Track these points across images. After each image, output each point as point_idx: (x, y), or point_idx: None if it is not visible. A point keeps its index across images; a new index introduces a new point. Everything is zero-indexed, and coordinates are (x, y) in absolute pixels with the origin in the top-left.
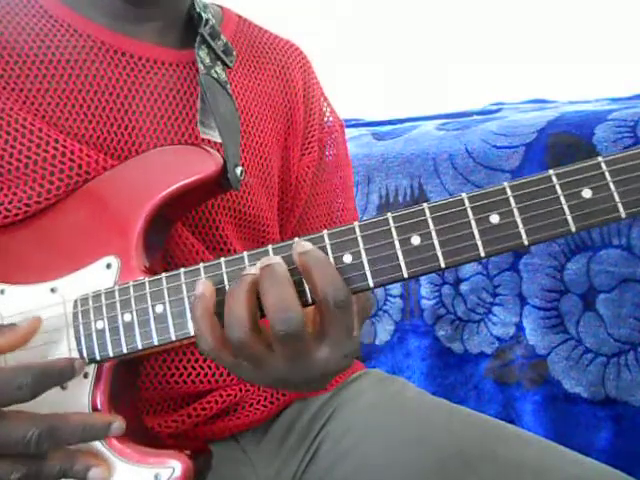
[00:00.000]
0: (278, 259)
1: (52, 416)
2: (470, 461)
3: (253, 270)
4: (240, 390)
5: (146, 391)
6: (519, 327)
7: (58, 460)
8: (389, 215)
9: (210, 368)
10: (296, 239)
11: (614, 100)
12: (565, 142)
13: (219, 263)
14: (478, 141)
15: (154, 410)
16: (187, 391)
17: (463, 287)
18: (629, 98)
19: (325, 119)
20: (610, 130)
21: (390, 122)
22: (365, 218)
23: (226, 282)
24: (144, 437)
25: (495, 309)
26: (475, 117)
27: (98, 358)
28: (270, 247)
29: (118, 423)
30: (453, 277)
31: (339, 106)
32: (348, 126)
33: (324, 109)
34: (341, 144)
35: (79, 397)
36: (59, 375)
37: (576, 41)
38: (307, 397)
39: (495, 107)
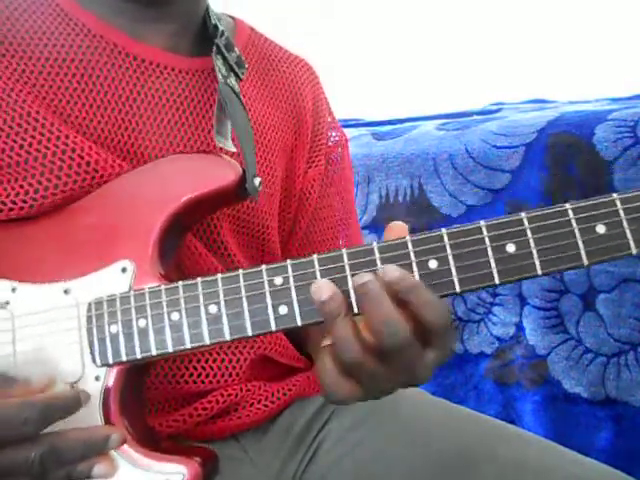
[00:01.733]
0: (369, 276)
1: (51, 435)
2: (470, 461)
3: (326, 294)
4: (241, 390)
5: (147, 391)
6: (519, 327)
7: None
8: (408, 238)
9: (212, 368)
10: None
11: (614, 100)
12: (565, 142)
13: (237, 275)
14: (478, 141)
15: (155, 410)
16: (188, 391)
17: None
18: (629, 98)
19: (332, 134)
20: (610, 130)
21: (390, 122)
22: (367, 224)
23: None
24: (152, 440)
25: (495, 309)
26: (475, 117)
27: (111, 362)
28: (289, 262)
29: (116, 435)
30: None
31: (339, 106)
32: (348, 126)
33: (331, 124)
34: (346, 159)
35: (90, 401)
36: (64, 408)
37: (576, 41)
38: (307, 397)
39: (495, 107)
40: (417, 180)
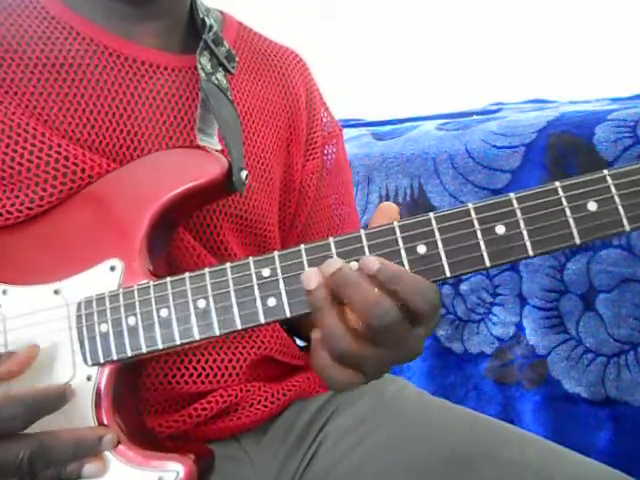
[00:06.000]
0: (339, 262)
1: (42, 434)
2: (470, 461)
3: (314, 282)
4: (240, 390)
5: (147, 391)
6: (519, 327)
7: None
8: (395, 224)
9: (212, 369)
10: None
11: (614, 100)
12: (565, 142)
13: (225, 269)
14: (478, 141)
15: (155, 410)
16: (188, 391)
17: (463, 287)
18: (629, 98)
19: (326, 125)
20: (610, 130)
21: (390, 122)
22: (368, 222)
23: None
24: (147, 439)
25: (495, 309)
26: (475, 117)
27: (102, 361)
28: (276, 253)
29: (109, 436)
30: None
31: (339, 106)
32: (348, 126)
33: (324, 115)
34: (341, 149)
35: (82, 400)
36: (50, 404)
37: (576, 41)
38: (307, 397)
39: (495, 107)
40: (417, 180)
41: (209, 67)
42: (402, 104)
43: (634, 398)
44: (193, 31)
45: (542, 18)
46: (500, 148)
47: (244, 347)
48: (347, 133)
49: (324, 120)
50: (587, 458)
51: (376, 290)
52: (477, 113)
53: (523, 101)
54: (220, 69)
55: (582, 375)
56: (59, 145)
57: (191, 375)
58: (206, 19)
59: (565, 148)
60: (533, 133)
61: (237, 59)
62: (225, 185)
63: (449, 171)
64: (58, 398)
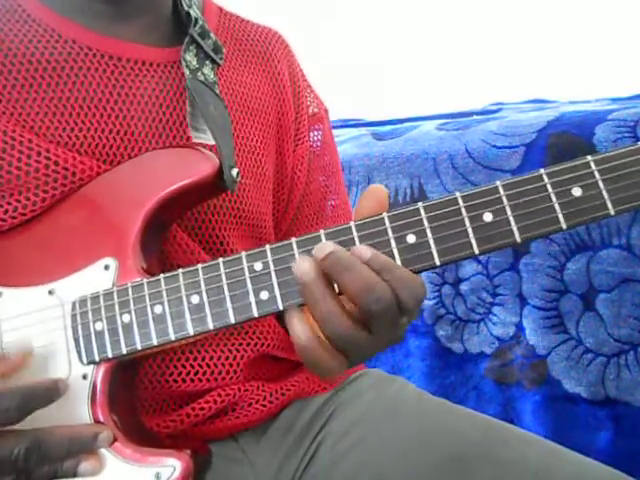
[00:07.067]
0: (332, 246)
1: (37, 430)
2: (470, 461)
3: (307, 269)
4: (239, 390)
5: (144, 390)
6: (519, 327)
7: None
8: (384, 215)
9: (209, 367)
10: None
11: (614, 100)
12: (565, 142)
13: (217, 264)
14: (478, 141)
15: (153, 410)
16: (186, 390)
17: (463, 287)
18: (629, 98)
19: (311, 106)
20: (610, 130)
21: (390, 122)
22: (356, 206)
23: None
24: (143, 437)
25: (495, 309)
26: (475, 117)
27: (97, 359)
28: (268, 247)
29: (105, 433)
30: (453, 277)
31: (339, 106)
32: (348, 126)
33: (309, 95)
34: (327, 129)
35: (78, 399)
36: (44, 396)
37: (576, 41)
38: (306, 397)
39: (495, 107)
40: (417, 180)
41: (195, 63)
42: (402, 104)
43: (634, 398)
44: (179, 24)
45: (542, 18)
46: (500, 148)
47: (241, 344)
48: (347, 133)
49: (309, 101)
50: (587, 458)
51: (370, 272)
52: (477, 113)
53: (523, 101)
54: (207, 62)
55: (582, 375)
56: (47, 150)
57: (188, 373)
58: (191, 11)
59: (565, 148)
60: (533, 133)
61: (224, 50)
62: (216, 183)
63: (449, 171)
64: (51, 390)
